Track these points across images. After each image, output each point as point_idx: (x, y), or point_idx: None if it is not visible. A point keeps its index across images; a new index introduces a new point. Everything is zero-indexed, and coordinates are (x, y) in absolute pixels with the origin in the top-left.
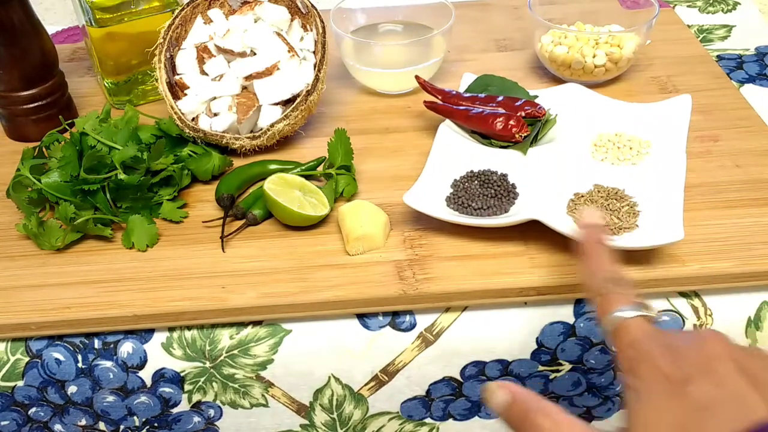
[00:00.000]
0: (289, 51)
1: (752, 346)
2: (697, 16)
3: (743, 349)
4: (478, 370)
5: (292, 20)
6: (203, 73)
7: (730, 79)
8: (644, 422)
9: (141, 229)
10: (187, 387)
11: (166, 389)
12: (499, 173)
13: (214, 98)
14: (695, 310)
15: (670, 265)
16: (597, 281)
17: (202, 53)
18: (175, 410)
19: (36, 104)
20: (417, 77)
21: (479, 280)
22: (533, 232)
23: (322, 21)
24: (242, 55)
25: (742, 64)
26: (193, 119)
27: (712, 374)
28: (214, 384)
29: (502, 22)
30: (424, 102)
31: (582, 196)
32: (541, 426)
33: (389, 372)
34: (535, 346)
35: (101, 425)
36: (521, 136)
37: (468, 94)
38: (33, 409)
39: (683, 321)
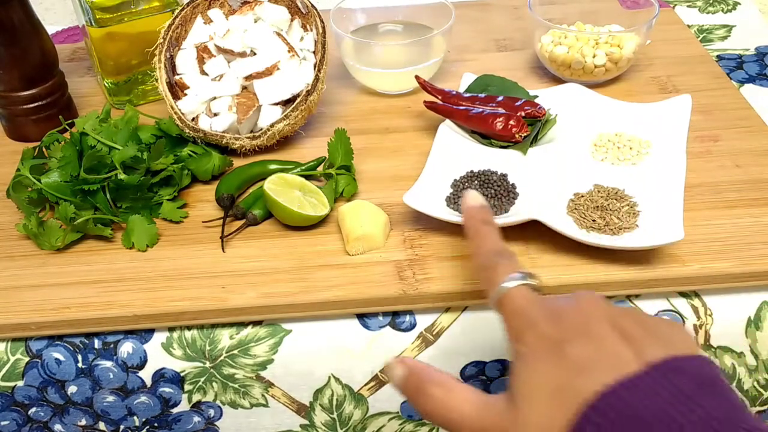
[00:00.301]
0: (289, 51)
1: (627, 306)
2: (697, 16)
3: (618, 309)
4: (478, 370)
5: (292, 20)
6: (203, 73)
7: (730, 79)
8: (527, 384)
9: (141, 229)
10: (187, 387)
11: (166, 389)
12: (499, 173)
13: (214, 98)
14: (695, 310)
15: (670, 265)
16: (481, 257)
17: (202, 53)
18: (175, 410)
19: (36, 104)
20: (417, 77)
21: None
22: (533, 232)
23: (322, 21)
24: (242, 55)
25: (742, 64)
26: (193, 119)
27: (588, 334)
28: (214, 384)
29: (502, 22)
30: (424, 102)
31: (582, 196)
32: (434, 395)
33: None
34: None
35: (101, 425)
36: (521, 136)
37: (468, 94)
38: (33, 409)
39: (683, 321)
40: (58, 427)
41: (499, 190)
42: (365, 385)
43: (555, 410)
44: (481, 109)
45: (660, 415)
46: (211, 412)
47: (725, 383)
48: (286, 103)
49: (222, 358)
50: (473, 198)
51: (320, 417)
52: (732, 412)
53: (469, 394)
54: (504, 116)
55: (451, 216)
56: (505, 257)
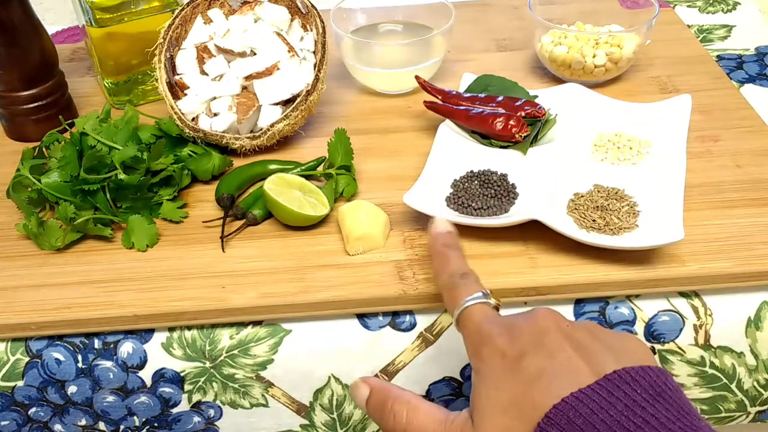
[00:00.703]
0: (289, 51)
1: (581, 320)
2: (697, 16)
3: (572, 323)
4: None
5: (292, 20)
6: (203, 73)
7: (730, 79)
8: (485, 399)
9: (141, 229)
10: (187, 387)
11: (166, 389)
12: (499, 173)
13: (214, 98)
14: (695, 310)
15: (670, 265)
16: (444, 278)
17: (202, 53)
18: (175, 410)
19: (36, 104)
20: (417, 77)
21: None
22: (533, 232)
23: (322, 21)
24: (242, 55)
25: (742, 64)
26: (193, 119)
27: (543, 347)
28: (214, 384)
29: (502, 22)
30: (424, 102)
31: (582, 196)
32: (399, 412)
33: (389, 372)
34: None
35: (101, 425)
36: (521, 136)
37: (468, 94)
38: (33, 409)
39: (683, 321)
40: (58, 427)
41: (499, 190)
42: None
43: (512, 424)
44: (481, 109)
45: (615, 427)
46: (211, 412)
47: (679, 393)
48: (286, 103)
49: (222, 358)
50: (440, 224)
51: (320, 417)
52: (686, 419)
53: (433, 410)
54: (504, 116)
55: (451, 216)
56: (466, 278)
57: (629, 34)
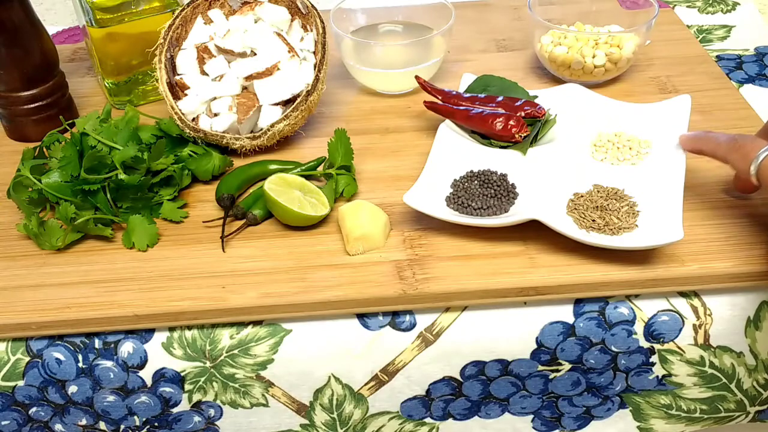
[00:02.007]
0: (289, 51)
1: None
2: (696, 17)
3: None
4: (477, 370)
5: (292, 20)
6: (203, 73)
7: (730, 79)
8: None
9: (141, 229)
10: (187, 387)
11: (167, 389)
12: (499, 173)
13: (215, 98)
14: (695, 310)
15: (669, 265)
16: (725, 144)
17: (203, 53)
18: (175, 410)
19: (36, 104)
20: (417, 77)
21: (479, 280)
22: (533, 232)
23: (322, 21)
24: (242, 55)
25: (741, 65)
26: (193, 119)
27: None
28: (214, 384)
29: (502, 22)
30: (424, 102)
31: (582, 196)
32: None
33: (389, 372)
34: (535, 346)
35: (102, 425)
36: (521, 136)
37: (468, 95)
38: (33, 409)
39: (683, 321)
40: (58, 426)
41: (499, 190)
42: (365, 384)
43: None
44: (481, 110)
45: None
46: (212, 411)
47: None
48: (286, 103)
49: (222, 357)
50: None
51: (320, 417)
52: None
53: None
54: (504, 116)
55: (451, 216)
56: (746, 137)
57: (629, 34)
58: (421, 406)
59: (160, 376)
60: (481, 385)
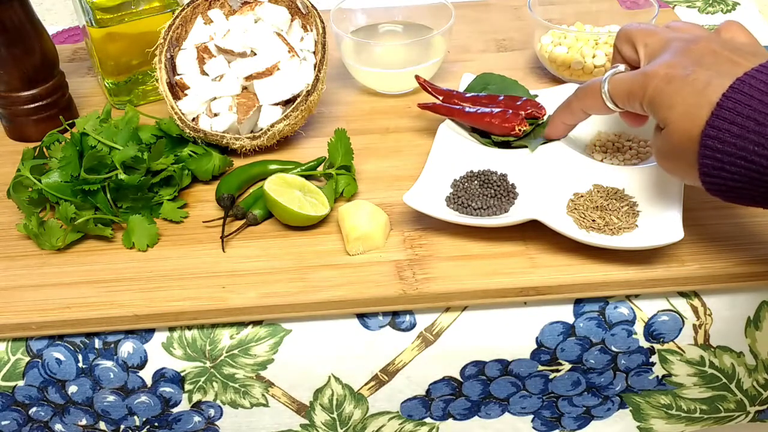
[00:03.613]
0: (289, 51)
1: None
2: (697, 16)
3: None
4: (478, 370)
5: (292, 20)
6: (203, 73)
7: None
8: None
9: (141, 229)
10: (187, 387)
11: (167, 389)
12: (498, 173)
13: (215, 98)
14: (695, 310)
15: (669, 265)
16: (571, 102)
17: (203, 53)
18: (175, 410)
19: (36, 104)
20: (417, 77)
21: (479, 280)
22: (533, 232)
23: (322, 21)
24: (242, 55)
25: None
26: (193, 119)
27: (703, 61)
28: (214, 384)
29: (502, 22)
30: (419, 105)
31: (582, 196)
32: None
33: (389, 372)
34: (535, 346)
35: (102, 425)
36: (521, 129)
37: (469, 94)
38: (33, 409)
39: (683, 321)
40: (58, 426)
41: (499, 190)
42: (365, 384)
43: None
44: (479, 107)
45: None
46: (212, 411)
47: None
48: (286, 103)
49: (222, 357)
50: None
51: (320, 417)
52: None
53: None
54: (502, 111)
55: (451, 216)
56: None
57: None
58: (421, 406)
59: (160, 376)
60: (481, 385)
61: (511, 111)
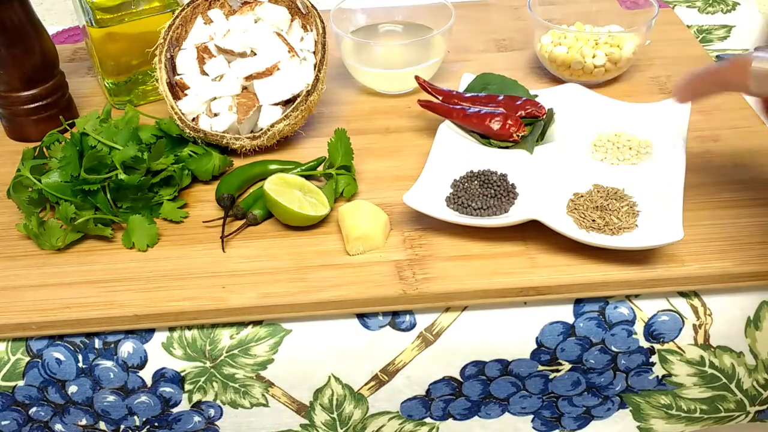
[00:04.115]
0: (289, 51)
1: None
2: (696, 17)
3: None
4: (477, 370)
5: (292, 20)
6: (203, 73)
7: None
8: None
9: (141, 229)
10: (187, 387)
11: (167, 389)
12: (498, 173)
13: (215, 98)
14: (695, 309)
15: (669, 265)
16: (714, 72)
17: (203, 53)
18: (175, 410)
19: (36, 104)
20: (417, 77)
21: (479, 280)
22: (533, 232)
23: (322, 21)
24: (242, 55)
25: None
26: (193, 119)
27: None
28: (214, 384)
29: (502, 22)
30: (419, 101)
31: (582, 196)
32: None
33: (389, 372)
34: (535, 346)
35: (102, 425)
36: (519, 135)
37: (469, 94)
38: (33, 409)
39: (683, 321)
40: (58, 426)
41: (499, 190)
42: (365, 384)
43: None
44: (478, 108)
45: None
46: (212, 411)
47: None
48: (286, 103)
49: (222, 357)
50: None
51: (320, 416)
52: None
53: None
54: (501, 116)
55: (451, 216)
56: (730, 58)
57: (629, 34)
58: (421, 406)
59: (160, 376)
60: (481, 385)
61: (510, 121)
